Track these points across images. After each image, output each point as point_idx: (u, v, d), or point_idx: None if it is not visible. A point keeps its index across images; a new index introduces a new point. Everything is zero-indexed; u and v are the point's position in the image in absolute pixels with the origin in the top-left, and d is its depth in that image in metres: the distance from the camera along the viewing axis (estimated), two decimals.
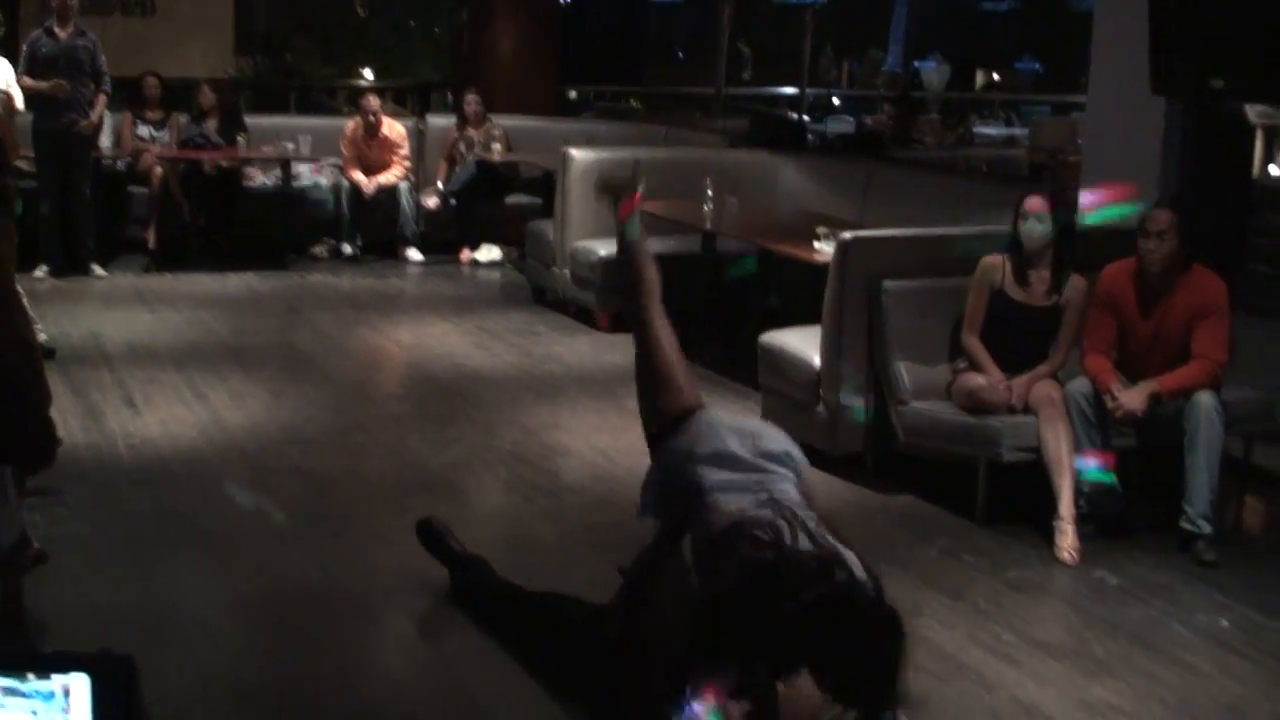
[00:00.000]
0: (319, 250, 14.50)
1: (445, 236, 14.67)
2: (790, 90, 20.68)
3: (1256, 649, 6.02)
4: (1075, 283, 7.40)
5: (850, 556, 4.11)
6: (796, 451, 4.86)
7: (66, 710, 2.60)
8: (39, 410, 5.16)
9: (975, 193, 10.74)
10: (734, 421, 5.09)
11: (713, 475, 4.67)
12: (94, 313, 11.60)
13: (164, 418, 8.68)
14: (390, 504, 7.33)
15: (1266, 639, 6.13)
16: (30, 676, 2.61)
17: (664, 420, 5.08)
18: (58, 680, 2.61)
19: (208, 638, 5.76)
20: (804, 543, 4.14)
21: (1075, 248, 7.46)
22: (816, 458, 7.89)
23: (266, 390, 9.44)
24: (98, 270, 13.04)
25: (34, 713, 2.61)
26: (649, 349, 5.38)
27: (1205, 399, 6.91)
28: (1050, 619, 6.40)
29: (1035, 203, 7.38)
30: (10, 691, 2.62)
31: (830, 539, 4.19)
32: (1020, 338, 7.42)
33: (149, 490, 7.46)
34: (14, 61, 12.38)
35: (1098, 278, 7.32)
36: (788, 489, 4.61)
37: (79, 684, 2.61)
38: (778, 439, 4.88)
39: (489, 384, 9.82)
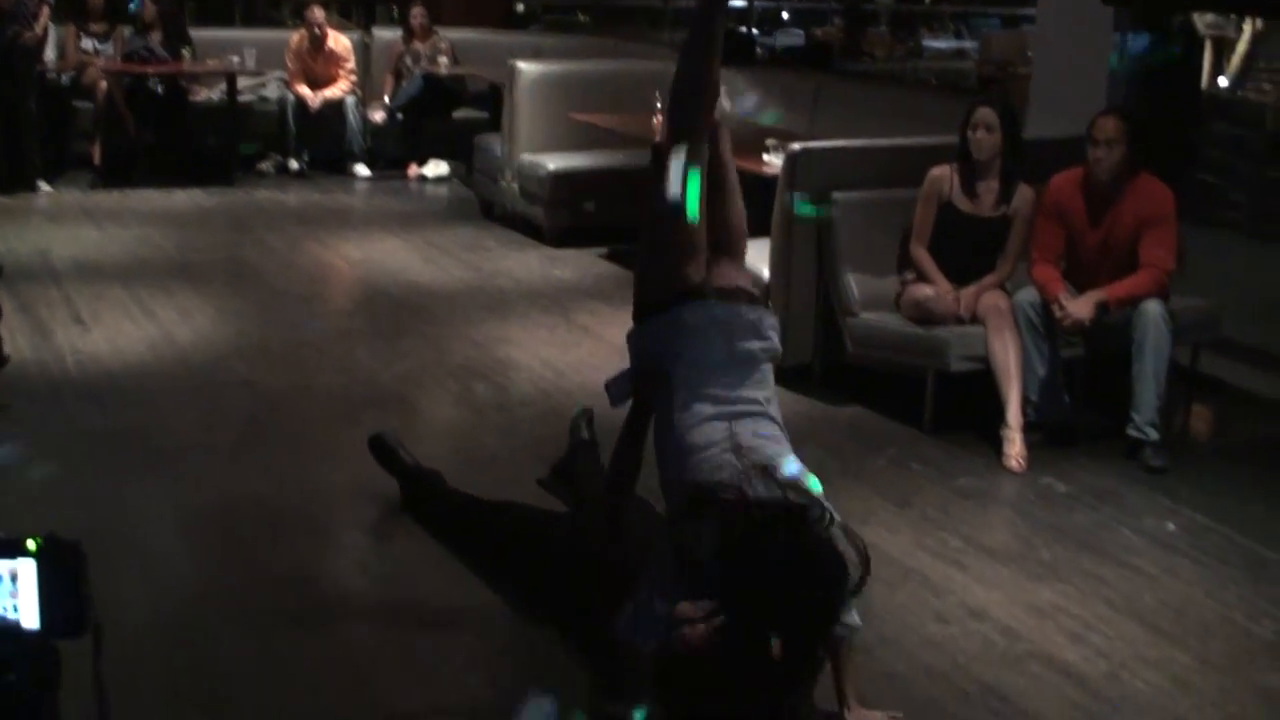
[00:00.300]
0: (265, 166, 14.41)
1: (392, 152, 14.59)
2: (739, 3, 20.57)
3: (1202, 551, 6.10)
4: (1023, 193, 7.41)
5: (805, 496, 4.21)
6: (774, 335, 4.77)
7: (14, 594, 2.60)
8: None
9: (924, 105, 10.74)
10: (725, 313, 4.68)
11: (689, 394, 4.58)
12: (41, 229, 11.52)
13: (112, 334, 8.64)
14: (341, 418, 7.32)
15: (1211, 541, 6.20)
16: None
17: (663, 292, 4.73)
18: (4, 565, 2.60)
19: (159, 549, 5.76)
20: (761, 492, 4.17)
21: (1023, 158, 7.47)
22: None
23: (214, 306, 9.40)
24: (44, 187, 12.93)
25: None
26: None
27: (1153, 307, 6.95)
28: (997, 525, 6.45)
29: (984, 113, 7.38)
30: None
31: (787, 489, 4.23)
32: (968, 248, 7.44)
33: (97, 406, 7.44)
34: None
35: (1045, 188, 7.34)
36: (755, 425, 4.55)
37: (26, 568, 2.61)
38: (759, 329, 4.75)
39: (438, 299, 9.80)
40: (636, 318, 4.87)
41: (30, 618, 2.60)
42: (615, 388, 4.90)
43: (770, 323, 4.75)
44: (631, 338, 4.88)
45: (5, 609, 2.60)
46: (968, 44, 20.73)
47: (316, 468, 6.65)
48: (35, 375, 7.70)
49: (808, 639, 4.05)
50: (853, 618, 4.31)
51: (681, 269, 4.70)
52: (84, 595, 2.62)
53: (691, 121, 4.74)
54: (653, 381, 4.69)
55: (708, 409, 4.49)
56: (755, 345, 4.66)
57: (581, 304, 9.70)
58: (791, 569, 3.91)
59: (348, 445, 6.68)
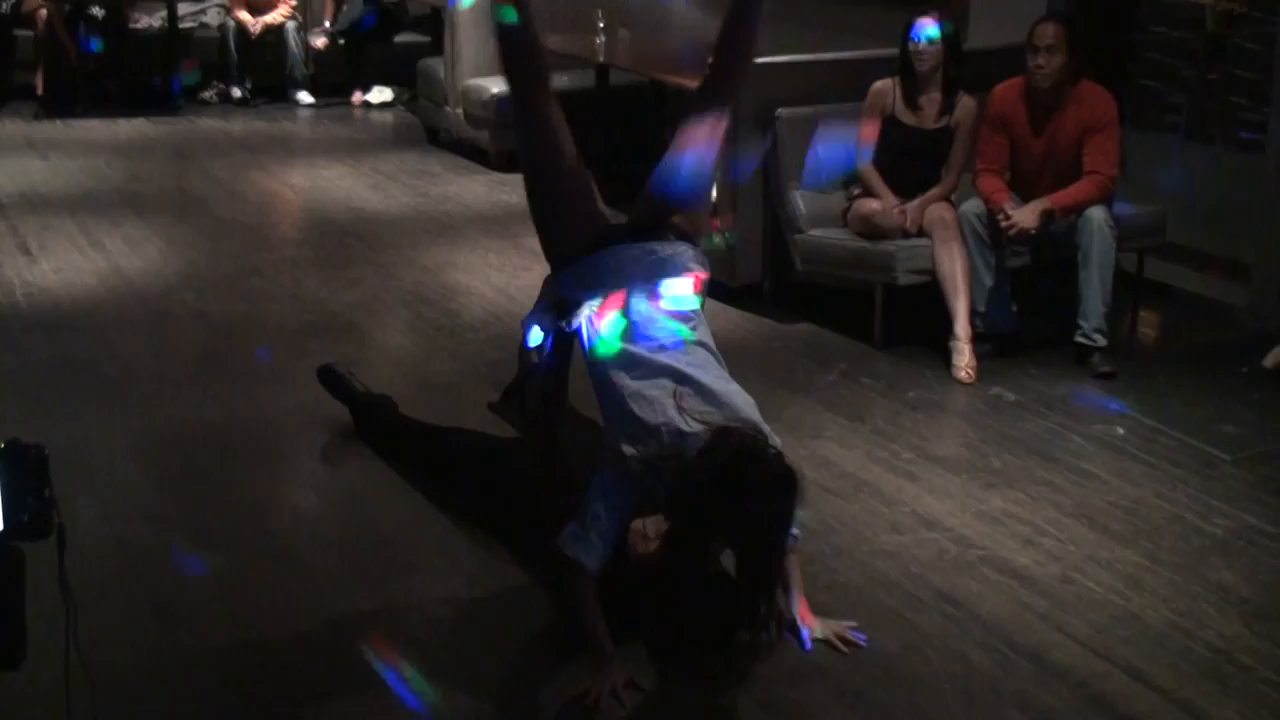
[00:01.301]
0: (208, 95, 14.29)
1: (336, 78, 14.48)
2: None
3: (1152, 454, 6.17)
4: (965, 104, 7.43)
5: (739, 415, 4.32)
6: (697, 265, 4.79)
7: None
8: None
9: (865, 17, 10.72)
10: (639, 252, 4.72)
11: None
12: None
13: (60, 265, 8.61)
14: (291, 346, 7.33)
15: (1161, 443, 6.28)
16: None
17: (570, 243, 4.80)
18: None
19: (112, 477, 5.78)
20: (695, 426, 4.25)
21: (964, 69, 7.48)
22: (716, 290, 7.95)
23: (162, 236, 9.36)
24: None
25: None
26: (548, 151, 4.86)
27: (1097, 214, 6.99)
28: (948, 435, 6.50)
29: (924, 23, 7.38)
30: None
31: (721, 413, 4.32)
32: (913, 161, 7.46)
33: (47, 337, 7.42)
34: None
35: (988, 98, 7.36)
36: (689, 356, 4.59)
37: None
38: (677, 264, 4.76)
39: (386, 225, 9.78)
40: (551, 264, 4.90)
41: None
42: (532, 328, 4.90)
43: (689, 256, 4.77)
44: (547, 284, 4.91)
45: None
46: None
47: (269, 395, 6.66)
48: None
49: (772, 546, 4.16)
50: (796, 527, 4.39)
51: (577, 217, 4.79)
52: (47, 498, 2.65)
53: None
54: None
55: (636, 349, 4.53)
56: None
57: (529, 228, 9.42)
58: (755, 480, 4.04)
59: (299, 373, 6.69)
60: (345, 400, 6.24)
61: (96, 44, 13.75)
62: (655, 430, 4.28)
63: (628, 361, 4.48)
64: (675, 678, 4.47)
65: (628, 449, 4.32)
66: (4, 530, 2.64)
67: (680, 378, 4.41)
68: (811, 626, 4.66)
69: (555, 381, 5.11)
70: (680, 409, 4.30)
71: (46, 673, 2.96)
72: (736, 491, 4.03)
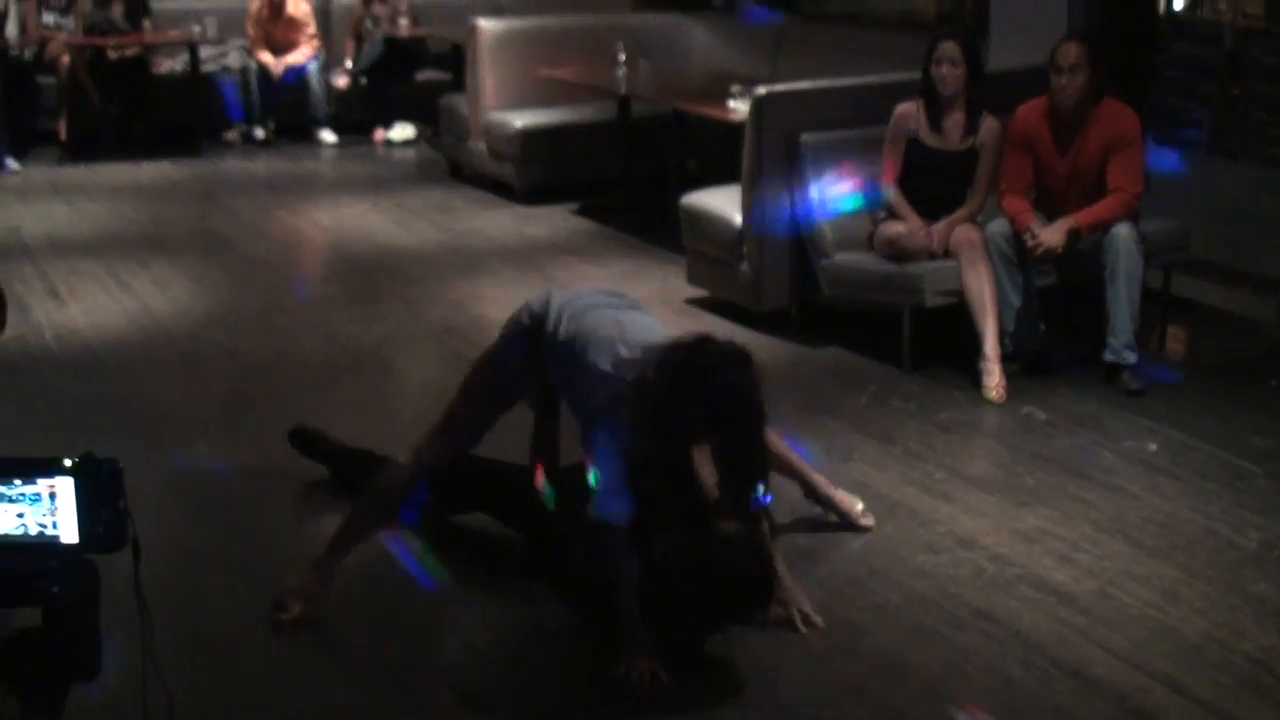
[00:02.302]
0: (231, 135, 14.34)
1: (358, 116, 14.50)
2: None
3: (1184, 468, 6.18)
4: (989, 124, 7.44)
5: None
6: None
7: (53, 511, 2.66)
8: None
9: (884, 43, 10.77)
10: None
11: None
12: (10, 206, 11.49)
13: (89, 307, 8.66)
14: (321, 382, 7.36)
15: (1192, 458, 6.28)
16: (16, 482, 2.66)
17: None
18: (44, 484, 2.66)
19: (145, 515, 5.75)
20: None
21: (987, 90, 7.50)
22: (742, 315, 8.02)
23: (189, 276, 9.41)
24: (11, 164, 12.86)
25: (20, 515, 2.66)
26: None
27: (1123, 231, 7.00)
28: (981, 455, 6.51)
29: (947, 48, 7.40)
30: None
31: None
32: (938, 183, 7.48)
33: (78, 378, 7.46)
34: None
35: (1011, 118, 7.37)
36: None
37: (64, 486, 2.66)
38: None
39: (412, 260, 9.82)
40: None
41: (69, 533, 2.66)
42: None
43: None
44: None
45: (45, 525, 2.65)
46: None
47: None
48: (14, 351, 7.68)
49: (750, 423, 4.45)
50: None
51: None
52: (122, 510, 2.68)
53: None
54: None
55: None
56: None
57: (556, 259, 9.72)
58: (717, 353, 4.45)
59: (328, 409, 6.72)
60: (321, 458, 6.14)
61: (118, 90, 13.83)
62: (618, 352, 4.62)
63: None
64: (709, 698, 4.49)
65: (611, 365, 4.61)
66: (79, 543, 2.68)
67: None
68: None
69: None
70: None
71: (119, 684, 2.99)
72: (704, 367, 4.36)
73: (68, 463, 2.67)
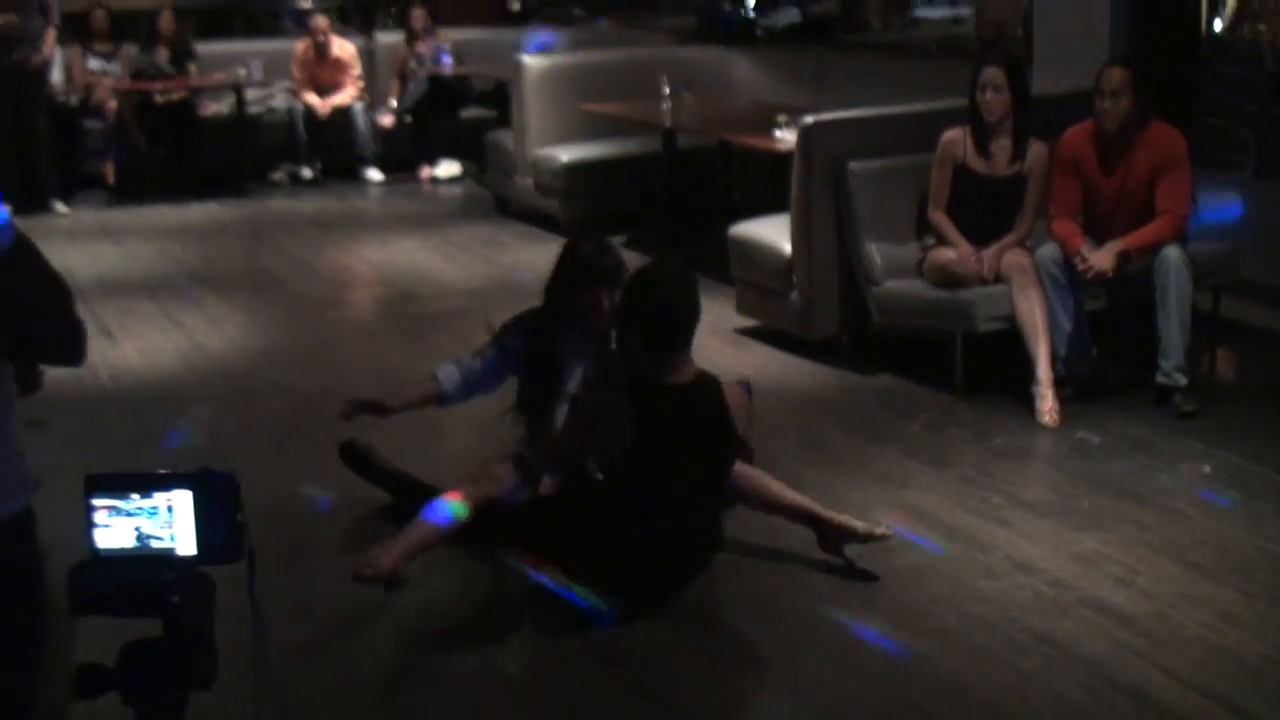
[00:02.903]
0: (278, 176, 14.45)
1: (403, 154, 14.59)
2: None
3: (1238, 490, 6.18)
4: (1036, 149, 7.46)
5: None
6: None
7: (170, 525, 2.70)
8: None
9: (927, 72, 10.80)
10: None
11: None
12: (60, 249, 11.51)
13: (142, 346, 8.74)
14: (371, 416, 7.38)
15: (1246, 479, 6.28)
16: (134, 496, 2.71)
17: None
18: (161, 498, 2.70)
19: None
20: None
21: (1033, 115, 7.51)
22: (793, 344, 8.03)
23: (241, 314, 9.48)
24: (59, 207, 13.01)
25: (138, 529, 2.71)
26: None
27: (1173, 253, 7.00)
28: (1036, 480, 6.52)
29: (992, 74, 7.42)
30: (115, 511, 2.72)
31: None
32: (986, 209, 7.49)
33: (133, 416, 7.54)
34: None
35: (1058, 142, 7.38)
36: None
37: (182, 499, 2.71)
38: None
39: (461, 295, 9.86)
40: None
41: (186, 545, 2.70)
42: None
43: None
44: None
45: (162, 538, 2.70)
46: (964, 11, 20.65)
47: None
48: (70, 390, 7.72)
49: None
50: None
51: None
52: (239, 523, 2.72)
53: None
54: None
55: None
56: None
57: None
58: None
59: (382, 442, 6.72)
60: (373, 478, 6.30)
61: (164, 133, 13.96)
62: None
63: None
64: None
65: None
66: (196, 555, 2.72)
67: None
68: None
69: None
70: None
71: (232, 693, 3.02)
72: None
73: (185, 476, 2.73)
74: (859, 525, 5.53)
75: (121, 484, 2.75)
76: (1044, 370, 7.05)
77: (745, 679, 4.85)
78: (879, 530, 5.53)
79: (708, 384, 5.43)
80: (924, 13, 20.59)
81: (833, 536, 5.54)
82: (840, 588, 5.40)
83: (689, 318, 5.35)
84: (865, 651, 4.96)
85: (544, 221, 11.80)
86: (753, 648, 5.05)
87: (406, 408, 6.12)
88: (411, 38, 14.80)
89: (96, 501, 2.74)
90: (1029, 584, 5.36)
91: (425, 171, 14.47)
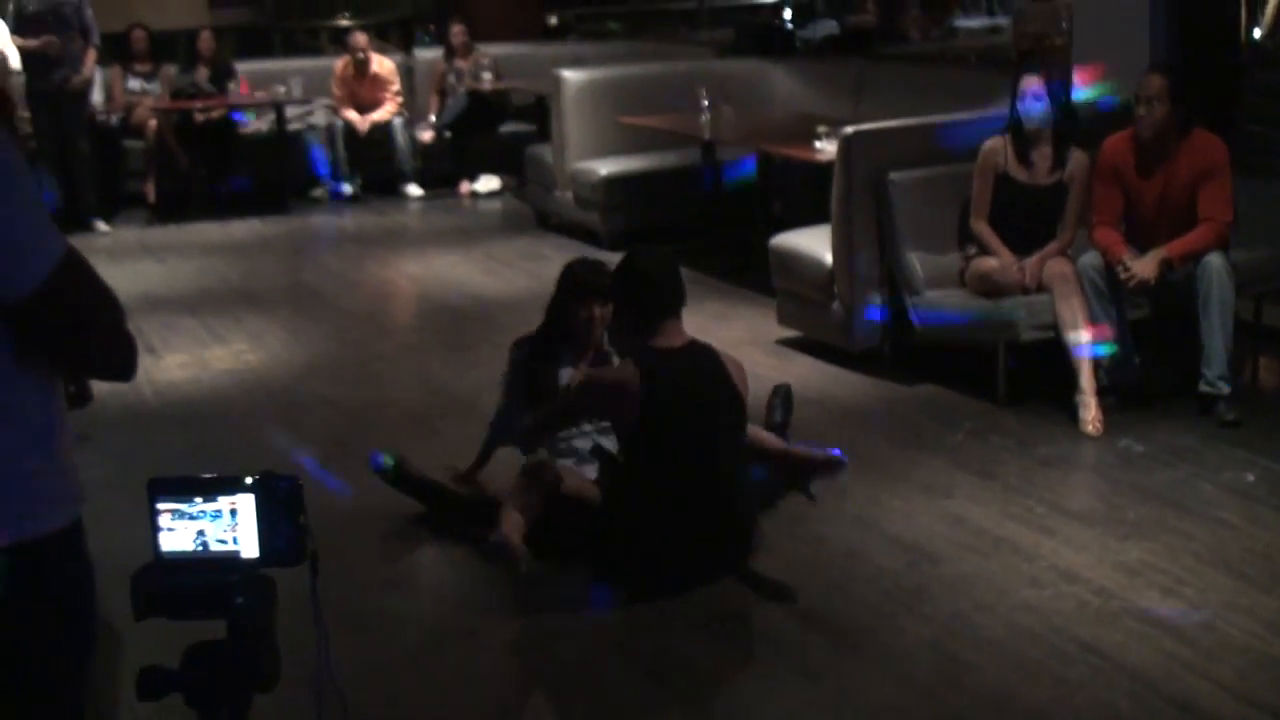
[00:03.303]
0: (319, 192, 14.51)
1: (443, 170, 14.66)
2: None
3: None
4: (1077, 158, 7.45)
5: None
6: None
7: (234, 527, 2.72)
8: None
9: (966, 81, 10.78)
10: None
11: None
12: (102, 267, 11.23)
13: (186, 360, 8.79)
14: (417, 428, 7.43)
15: None
16: (197, 500, 2.73)
17: None
18: (224, 501, 2.72)
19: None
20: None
21: (1074, 123, 7.50)
22: (834, 355, 8.03)
23: (283, 329, 9.53)
24: (101, 226, 13.11)
25: (201, 532, 2.73)
26: None
27: (1215, 261, 6.98)
28: (1081, 489, 6.51)
29: (1032, 81, 7.42)
30: (178, 515, 2.74)
31: None
32: (1027, 218, 7.48)
33: (179, 430, 7.59)
34: None
35: (1099, 151, 7.37)
36: None
37: (245, 503, 2.73)
38: None
39: (503, 308, 9.88)
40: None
41: (249, 548, 2.72)
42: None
43: None
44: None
45: (225, 541, 2.72)
46: (1001, 20, 20.63)
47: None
48: (114, 406, 7.78)
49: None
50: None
51: None
52: (302, 525, 2.75)
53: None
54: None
55: None
56: None
57: None
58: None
59: (428, 454, 6.76)
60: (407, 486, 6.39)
61: (205, 151, 14.06)
62: None
63: None
64: None
65: None
66: (259, 557, 2.75)
67: None
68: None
69: None
70: None
71: (294, 695, 3.04)
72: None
73: (249, 480, 2.75)
74: (816, 454, 5.98)
75: (185, 487, 2.76)
76: (1086, 379, 7.03)
77: (792, 689, 4.84)
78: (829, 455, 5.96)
79: (703, 346, 5.72)
80: (963, 22, 20.62)
81: (800, 471, 5.97)
82: (886, 598, 5.40)
83: (674, 284, 5.63)
84: (911, 660, 4.95)
85: (584, 235, 11.82)
86: (799, 658, 5.04)
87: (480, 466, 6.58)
88: (450, 54, 14.85)
89: (160, 505, 2.75)
90: (1074, 593, 5.34)
91: (465, 186, 14.52)
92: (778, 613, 5.38)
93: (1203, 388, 7.04)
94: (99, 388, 7.82)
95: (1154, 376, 7.42)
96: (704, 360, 5.64)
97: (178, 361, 8.77)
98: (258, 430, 7.56)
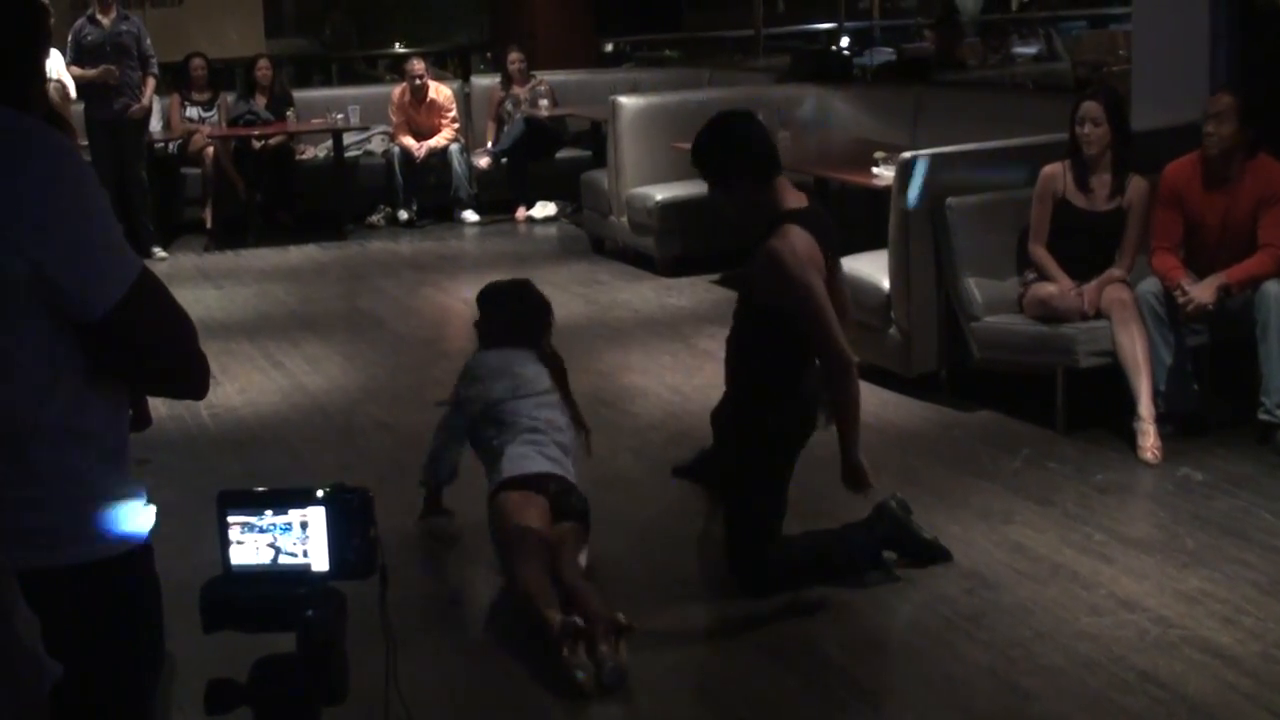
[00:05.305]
0: (376, 219, 14.57)
1: (499, 196, 14.71)
2: (827, 25, 20.66)
3: None
4: (1137, 184, 7.41)
5: None
6: None
7: (304, 540, 2.73)
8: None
9: (1024, 108, 10.76)
10: None
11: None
12: None
13: (244, 386, 8.83)
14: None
15: None
16: (268, 513, 2.74)
17: None
18: (295, 514, 2.73)
19: None
20: None
21: (1133, 149, 7.47)
22: (891, 380, 8.01)
23: (341, 354, 9.56)
24: (159, 253, 13.17)
25: (272, 544, 2.74)
26: None
27: (1274, 288, 6.92)
28: (1139, 517, 6.46)
29: (1090, 108, 7.39)
30: (248, 528, 2.75)
31: None
32: (1086, 243, 7.45)
33: (236, 455, 7.61)
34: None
35: (1160, 177, 7.34)
36: None
37: (316, 515, 2.74)
38: None
39: (559, 333, 9.68)
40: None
41: (320, 561, 2.73)
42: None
43: None
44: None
45: (296, 554, 2.73)
46: (1057, 47, 20.64)
47: (455, 501, 6.70)
48: (172, 430, 7.84)
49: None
50: None
51: None
52: (372, 538, 2.75)
53: None
54: None
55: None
56: None
57: (701, 330, 9.75)
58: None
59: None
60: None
61: (262, 179, 14.13)
62: None
63: None
64: None
65: None
66: (329, 570, 2.75)
67: None
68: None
69: None
70: None
71: (363, 707, 3.05)
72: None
73: (320, 493, 2.76)
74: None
75: (255, 501, 2.77)
76: (1145, 406, 6.99)
77: (853, 715, 4.83)
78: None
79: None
80: (1020, 50, 20.61)
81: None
82: (945, 624, 5.37)
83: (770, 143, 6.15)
84: (972, 688, 4.93)
85: (640, 260, 11.85)
86: (859, 686, 5.03)
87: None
88: (507, 81, 14.91)
89: (231, 518, 2.76)
90: (1133, 621, 5.31)
91: (521, 212, 14.56)
92: (836, 638, 5.37)
93: (1261, 416, 6.98)
94: (157, 412, 7.91)
95: (1213, 404, 7.38)
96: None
97: (236, 387, 8.81)
98: (316, 455, 7.57)
